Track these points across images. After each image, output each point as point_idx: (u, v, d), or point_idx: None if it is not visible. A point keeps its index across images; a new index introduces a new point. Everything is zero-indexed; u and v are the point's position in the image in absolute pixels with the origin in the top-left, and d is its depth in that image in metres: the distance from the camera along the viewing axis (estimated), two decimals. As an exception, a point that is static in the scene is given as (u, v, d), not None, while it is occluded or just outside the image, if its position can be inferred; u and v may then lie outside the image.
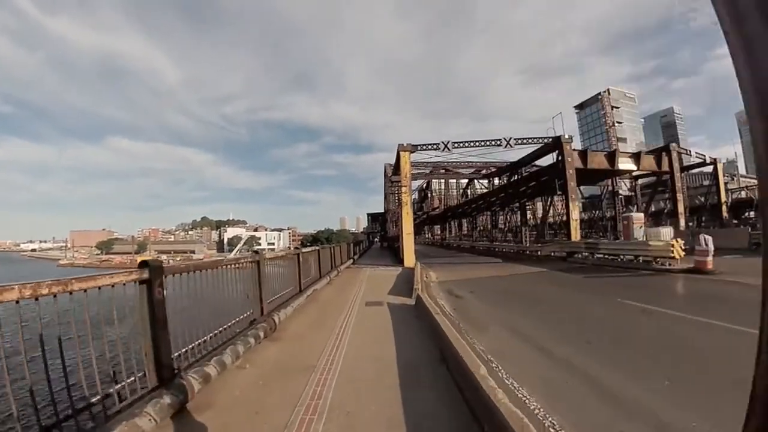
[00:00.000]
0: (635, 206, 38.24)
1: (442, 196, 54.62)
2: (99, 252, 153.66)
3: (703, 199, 39.61)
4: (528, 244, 28.72)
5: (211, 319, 5.79)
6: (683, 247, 16.20)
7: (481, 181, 42.67)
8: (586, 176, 27.39)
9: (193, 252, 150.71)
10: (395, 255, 33.48)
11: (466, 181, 46.32)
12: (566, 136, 24.40)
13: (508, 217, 34.84)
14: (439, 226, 75.97)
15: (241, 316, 6.67)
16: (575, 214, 23.48)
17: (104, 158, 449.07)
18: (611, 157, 26.08)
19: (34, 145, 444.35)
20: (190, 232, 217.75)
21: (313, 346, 6.36)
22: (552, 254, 24.56)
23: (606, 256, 20.08)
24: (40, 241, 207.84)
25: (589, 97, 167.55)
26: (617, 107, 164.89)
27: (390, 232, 52.11)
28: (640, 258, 17.92)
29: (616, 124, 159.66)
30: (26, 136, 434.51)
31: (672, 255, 16.17)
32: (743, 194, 40.05)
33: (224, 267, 5.97)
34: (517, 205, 34.98)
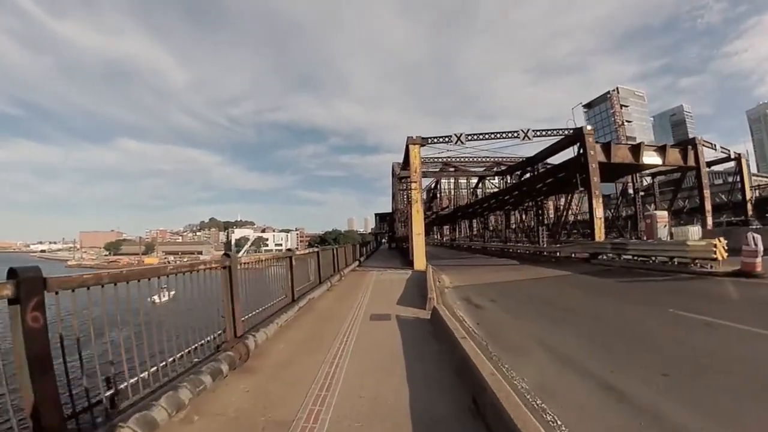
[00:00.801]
0: (653, 204, 36.43)
1: (452, 196, 52.93)
2: (107, 253, 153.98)
3: (724, 196, 37.98)
4: (545, 245, 26.91)
5: (162, 345, 4.19)
6: (725, 248, 14.48)
7: (491, 180, 41.05)
8: (607, 172, 25.53)
9: (200, 253, 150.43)
10: (404, 256, 31.85)
11: (476, 180, 44.71)
12: (588, 128, 22.64)
13: (522, 216, 32.96)
14: (448, 227, 74.14)
15: (205, 340, 5.06)
16: (599, 212, 21.67)
17: (113, 159, 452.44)
18: (636, 150, 24.19)
19: (43, 146, 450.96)
20: (198, 233, 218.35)
21: (295, 383, 4.72)
22: (572, 255, 22.78)
23: (635, 258, 18.31)
24: (50, 242, 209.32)
25: (598, 96, 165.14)
26: (626, 106, 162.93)
27: (398, 233, 50.53)
28: (675, 260, 16.16)
29: (626, 123, 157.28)
30: (36, 138, 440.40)
31: (714, 256, 14.36)
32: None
33: (170, 275, 4.30)
34: (532, 203, 33.20)
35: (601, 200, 22.17)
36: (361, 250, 29.73)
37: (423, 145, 20.33)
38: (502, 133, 21.13)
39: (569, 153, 24.34)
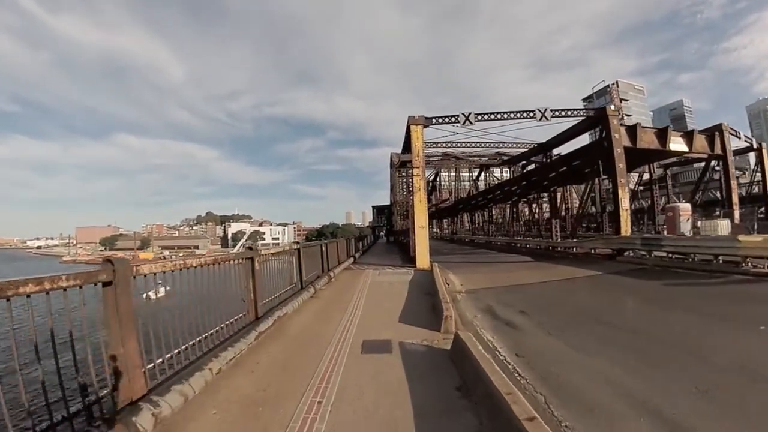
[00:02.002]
0: (666, 197, 34.07)
1: (452, 188, 50.38)
2: (103, 248, 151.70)
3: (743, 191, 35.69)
4: (558, 239, 24.41)
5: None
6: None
7: (495, 170, 38.55)
8: (627, 159, 22.96)
9: (196, 247, 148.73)
10: (404, 252, 29.27)
11: (478, 171, 42.20)
12: (611, 108, 20.11)
13: (533, 208, 30.39)
14: (448, 220, 71.65)
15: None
16: (626, 203, 19.17)
17: (111, 155, 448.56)
18: (663, 135, 21.62)
19: (42, 143, 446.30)
20: (194, 228, 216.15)
21: None
22: (592, 252, 20.32)
23: (669, 256, 15.91)
24: (47, 238, 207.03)
25: (597, 90, 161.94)
26: (626, 99, 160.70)
27: (397, 226, 47.90)
28: (720, 258, 13.80)
29: (625, 117, 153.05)
30: (34, 135, 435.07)
31: (773, 254, 12.15)
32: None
33: None
34: (541, 195, 30.72)
35: (627, 190, 19.65)
36: (357, 245, 27.15)
37: (426, 126, 17.71)
38: (516, 112, 18.54)
39: (579, 141, 22.05)
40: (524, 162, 33.41)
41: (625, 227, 18.88)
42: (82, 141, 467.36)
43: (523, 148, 27.76)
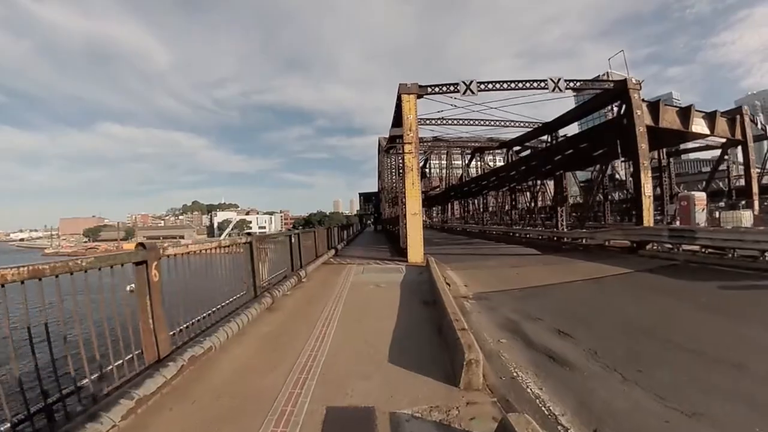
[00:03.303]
0: (669, 187, 31.78)
1: (443, 175, 47.76)
2: (86, 240, 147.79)
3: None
4: (564, 229, 21.96)
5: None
6: None
7: (487, 157, 35.95)
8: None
9: (182, 237, 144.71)
10: (392, 242, 26.64)
11: (470, 156, 39.60)
12: (633, 80, 17.56)
13: (532, 195, 27.81)
14: (437, 208, 69.17)
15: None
16: (648, 188, 16.72)
17: (96, 144, 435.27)
18: (685, 114, 19.12)
19: (24, 133, 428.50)
20: (180, 217, 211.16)
21: None
22: (606, 243, 17.92)
23: (703, 250, 13.55)
24: (31, 231, 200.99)
25: (590, 79, 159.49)
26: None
27: (385, 214, 45.19)
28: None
29: (615, 108, 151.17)
30: (16, 125, 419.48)
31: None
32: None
33: None
34: (543, 181, 28.20)
35: (650, 174, 17.17)
36: (341, 234, 24.43)
37: (420, 96, 14.94)
38: (526, 81, 15.86)
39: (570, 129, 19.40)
40: (519, 148, 30.89)
41: (648, 216, 16.47)
42: (67, 130, 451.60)
43: (524, 128, 25.12)
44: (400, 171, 18.25)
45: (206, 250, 5.53)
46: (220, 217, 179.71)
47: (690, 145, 28.33)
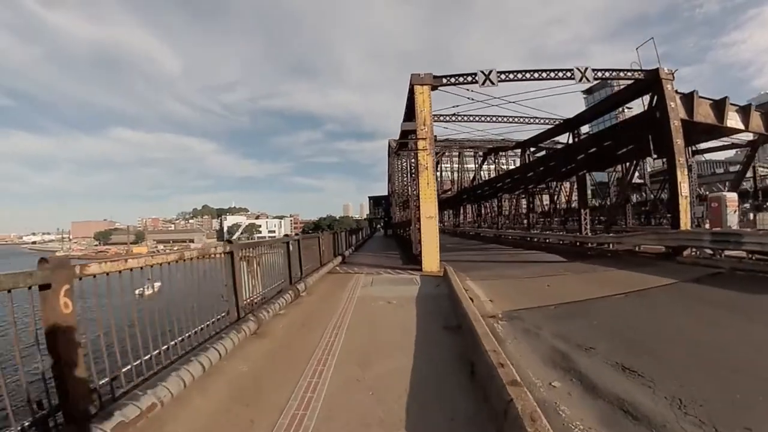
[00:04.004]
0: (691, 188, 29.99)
1: (455, 178, 46.31)
2: (97, 243, 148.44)
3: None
4: (588, 234, 20.40)
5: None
6: None
7: (500, 159, 34.46)
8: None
9: (191, 240, 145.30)
10: (404, 248, 25.25)
11: (482, 157, 38.20)
12: (665, 70, 16.04)
13: (550, 198, 26.22)
14: (449, 212, 67.54)
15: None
16: (685, 189, 15.16)
17: (108, 149, 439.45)
18: (719, 108, 17.51)
19: (37, 138, 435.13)
20: (190, 221, 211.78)
21: None
22: (636, 249, 16.41)
23: (750, 256, 12.04)
24: (43, 234, 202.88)
25: (598, 82, 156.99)
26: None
27: (395, 218, 43.78)
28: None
29: (626, 110, 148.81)
30: (30, 130, 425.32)
31: None
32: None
33: None
34: (553, 183, 26.60)
35: (686, 172, 15.63)
36: (349, 239, 23.08)
37: (435, 88, 13.58)
38: (550, 70, 14.46)
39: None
40: (534, 149, 29.36)
41: (685, 219, 14.90)
42: (78, 135, 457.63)
43: (542, 126, 23.62)
44: (412, 172, 16.84)
45: (159, 264, 4.13)
46: (230, 221, 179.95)
47: (706, 145, 26.63)
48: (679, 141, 15.16)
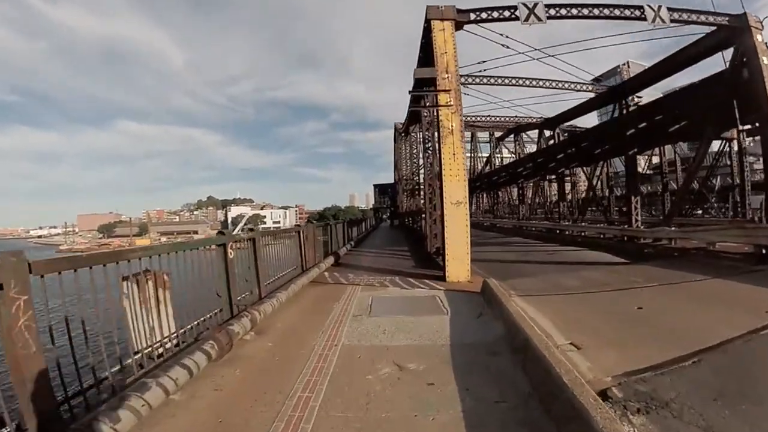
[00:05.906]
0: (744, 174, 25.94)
1: (469, 164, 42.43)
2: (101, 236, 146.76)
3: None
4: (641, 226, 16.63)
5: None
6: None
7: (518, 141, 30.62)
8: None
9: (195, 232, 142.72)
10: (414, 241, 21.50)
11: (496, 140, 34.48)
12: (753, 18, 12.20)
13: (594, 181, 22.15)
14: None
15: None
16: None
17: (113, 142, 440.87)
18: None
19: (44, 133, 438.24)
20: (195, 212, 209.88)
21: None
22: (710, 248, 12.66)
23: None
24: (50, 227, 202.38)
25: (607, 71, 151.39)
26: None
27: (402, 207, 39.97)
28: None
29: (636, 98, 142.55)
30: (36, 125, 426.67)
31: None
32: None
33: None
34: (587, 168, 22.71)
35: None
36: (348, 232, 19.39)
37: (460, 26, 9.83)
38: (614, 7, 10.66)
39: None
40: (557, 130, 25.48)
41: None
42: (85, 129, 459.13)
43: (579, 94, 19.78)
44: (427, 145, 13.02)
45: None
46: (234, 212, 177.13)
47: None
48: (777, 106, 11.34)
